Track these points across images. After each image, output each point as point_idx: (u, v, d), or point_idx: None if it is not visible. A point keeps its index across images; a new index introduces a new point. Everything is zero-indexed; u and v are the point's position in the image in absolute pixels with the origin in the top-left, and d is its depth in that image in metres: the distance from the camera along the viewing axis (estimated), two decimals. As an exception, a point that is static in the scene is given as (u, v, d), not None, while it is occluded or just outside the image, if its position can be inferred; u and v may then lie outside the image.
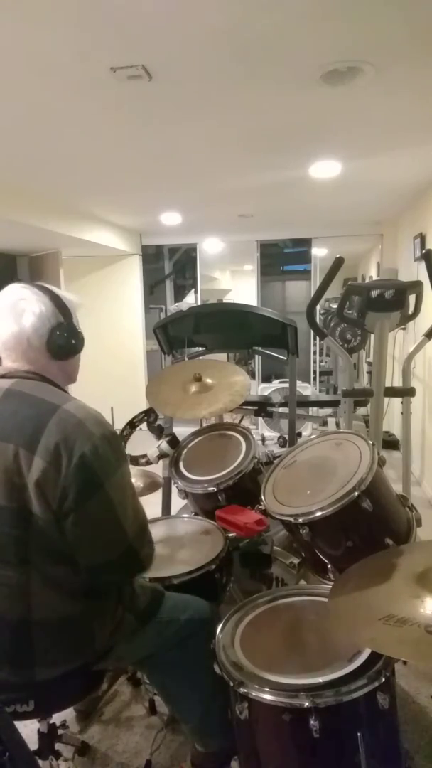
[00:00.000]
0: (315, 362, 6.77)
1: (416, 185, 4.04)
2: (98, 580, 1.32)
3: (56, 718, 1.55)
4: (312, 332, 4.18)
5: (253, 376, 6.58)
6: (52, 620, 1.27)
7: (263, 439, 5.55)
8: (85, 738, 1.87)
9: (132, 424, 2.14)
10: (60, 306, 1.33)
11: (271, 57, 1.99)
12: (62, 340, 1.32)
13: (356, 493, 1.51)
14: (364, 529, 1.58)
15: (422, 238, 4.19)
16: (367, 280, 7.02)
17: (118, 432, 1.48)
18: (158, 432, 2.20)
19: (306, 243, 6.27)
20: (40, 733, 1.48)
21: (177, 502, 2.54)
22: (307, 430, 5.72)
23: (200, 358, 3.26)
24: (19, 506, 1.19)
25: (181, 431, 2.41)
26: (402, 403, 3.21)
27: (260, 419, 5.53)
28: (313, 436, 1.96)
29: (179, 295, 7.78)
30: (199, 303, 6.41)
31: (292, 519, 1.58)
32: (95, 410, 1.27)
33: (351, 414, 3.28)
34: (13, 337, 1.29)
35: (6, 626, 1.25)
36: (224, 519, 1.92)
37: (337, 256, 2.81)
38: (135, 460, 2.09)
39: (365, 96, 2.35)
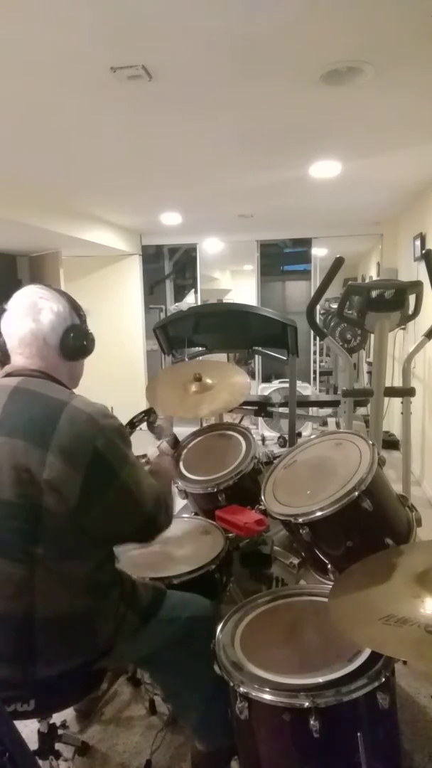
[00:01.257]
0: (315, 362, 6.77)
1: (416, 185, 4.04)
2: (117, 546, 1.43)
3: (56, 718, 1.54)
4: (312, 332, 4.18)
5: (253, 376, 6.58)
6: (56, 617, 1.27)
7: (263, 439, 5.55)
8: (85, 738, 1.87)
9: (132, 424, 2.13)
10: (76, 308, 1.40)
11: (271, 57, 2.00)
12: (75, 341, 1.37)
13: (356, 493, 1.51)
14: (364, 529, 1.58)
15: (422, 238, 4.19)
16: (367, 280, 7.02)
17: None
18: (158, 432, 2.20)
19: (306, 243, 6.27)
20: (40, 733, 1.48)
21: (177, 502, 2.54)
22: (307, 430, 5.72)
23: (200, 358, 3.26)
24: (27, 502, 1.20)
25: (181, 431, 2.41)
26: (402, 403, 3.21)
27: (260, 419, 5.53)
28: (313, 436, 1.96)
29: (179, 295, 7.78)
30: (199, 303, 6.41)
31: (292, 519, 1.58)
32: (100, 404, 1.30)
33: (351, 414, 3.28)
34: (30, 333, 1.33)
35: (10, 623, 1.25)
36: (224, 519, 1.92)
37: (337, 256, 2.81)
38: (135, 461, 2.08)
39: (365, 96, 2.35)
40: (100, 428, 1.23)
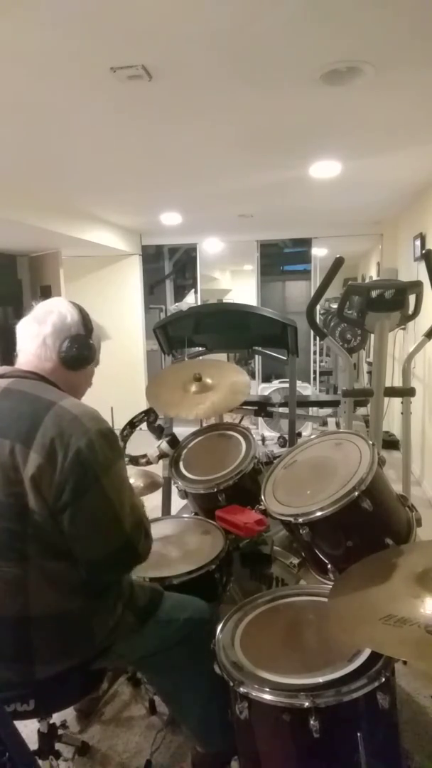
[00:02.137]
0: (315, 362, 6.77)
1: (416, 185, 4.04)
2: (97, 575, 1.32)
3: (56, 718, 1.55)
4: (312, 332, 4.17)
5: (253, 376, 6.58)
6: (51, 616, 1.27)
7: (263, 439, 5.55)
8: (85, 738, 1.87)
9: (132, 424, 2.14)
10: (86, 322, 1.42)
11: (271, 57, 1.99)
12: (73, 351, 1.36)
13: (356, 493, 1.50)
14: (364, 529, 1.58)
15: (422, 238, 4.19)
16: (367, 280, 7.02)
17: (118, 432, 1.49)
18: (158, 432, 2.20)
19: (306, 243, 6.27)
20: (40, 733, 1.48)
21: (177, 502, 2.54)
22: (307, 430, 5.72)
23: (200, 358, 3.26)
24: (15, 501, 1.20)
25: (181, 431, 2.41)
26: (402, 403, 3.21)
27: (260, 419, 5.53)
28: (313, 436, 1.96)
29: (179, 295, 7.79)
30: (199, 303, 6.41)
31: (292, 519, 1.58)
32: (91, 407, 1.29)
33: (351, 414, 3.28)
34: (33, 333, 1.36)
35: (5, 623, 1.26)
36: (224, 519, 1.92)
37: (337, 256, 2.81)
38: (135, 460, 2.09)
39: (365, 96, 2.35)
40: (85, 430, 1.22)
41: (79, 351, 1.37)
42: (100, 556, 1.29)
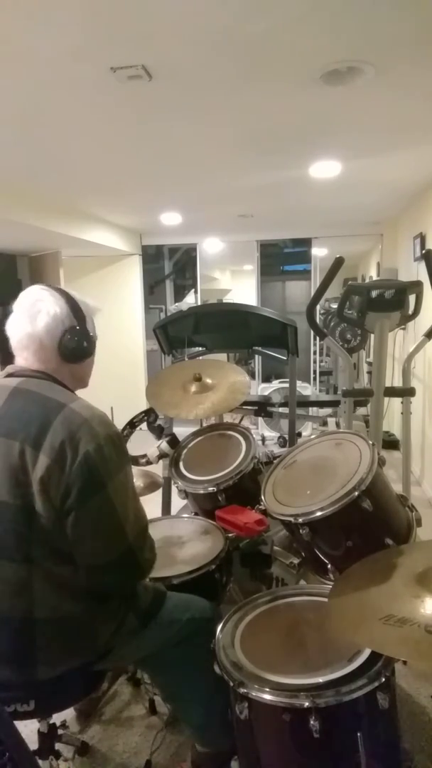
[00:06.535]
0: (315, 362, 6.77)
1: (416, 185, 4.04)
2: (97, 581, 1.32)
3: (56, 718, 1.55)
4: (312, 332, 4.18)
5: (253, 376, 6.58)
6: (54, 619, 1.27)
7: (263, 439, 5.55)
8: (85, 738, 1.87)
9: (132, 424, 2.14)
10: (75, 310, 1.36)
11: (271, 57, 1.99)
12: (73, 344, 1.34)
13: (356, 493, 1.51)
14: (364, 529, 1.58)
15: (422, 238, 4.19)
16: (367, 280, 7.02)
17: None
18: (158, 432, 2.20)
19: (306, 243, 6.27)
20: (40, 733, 1.48)
21: (177, 502, 2.54)
22: (307, 430, 5.72)
23: (200, 358, 3.26)
24: (23, 503, 1.20)
25: (181, 431, 2.41)
26: (402, 403, 3.21)
27: (260, 419, 5.54)
28: (313, 436, 1.96)
29: (179, 295, 7.78)
30: (199, 303, 6.41)
31: (292, 519, 1.58)
32: (101, 410, 1.28)
33: (351, 414, 3.29)
34: (26, 336, 1.31)
35: (8, 625, 1.25)
36: (224, 519, 1.92)
37: (337, 256, 2.81)
38: (135, 460, 2.09)
39: (365, 96, 2.35)
40: (94, 434, 1.21)
41: (78, 344, 1.34)
42: (101, 562, 1.28)
